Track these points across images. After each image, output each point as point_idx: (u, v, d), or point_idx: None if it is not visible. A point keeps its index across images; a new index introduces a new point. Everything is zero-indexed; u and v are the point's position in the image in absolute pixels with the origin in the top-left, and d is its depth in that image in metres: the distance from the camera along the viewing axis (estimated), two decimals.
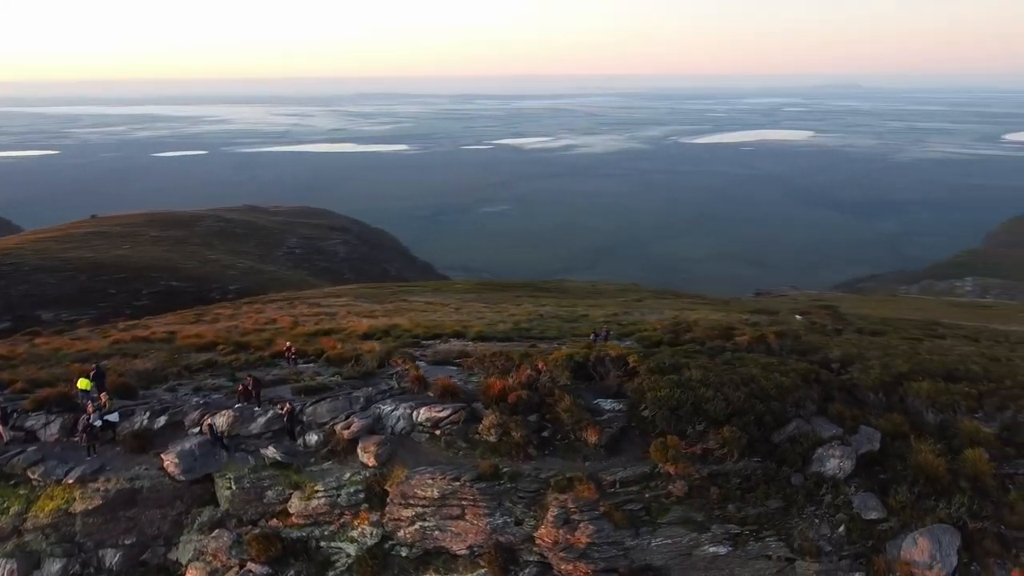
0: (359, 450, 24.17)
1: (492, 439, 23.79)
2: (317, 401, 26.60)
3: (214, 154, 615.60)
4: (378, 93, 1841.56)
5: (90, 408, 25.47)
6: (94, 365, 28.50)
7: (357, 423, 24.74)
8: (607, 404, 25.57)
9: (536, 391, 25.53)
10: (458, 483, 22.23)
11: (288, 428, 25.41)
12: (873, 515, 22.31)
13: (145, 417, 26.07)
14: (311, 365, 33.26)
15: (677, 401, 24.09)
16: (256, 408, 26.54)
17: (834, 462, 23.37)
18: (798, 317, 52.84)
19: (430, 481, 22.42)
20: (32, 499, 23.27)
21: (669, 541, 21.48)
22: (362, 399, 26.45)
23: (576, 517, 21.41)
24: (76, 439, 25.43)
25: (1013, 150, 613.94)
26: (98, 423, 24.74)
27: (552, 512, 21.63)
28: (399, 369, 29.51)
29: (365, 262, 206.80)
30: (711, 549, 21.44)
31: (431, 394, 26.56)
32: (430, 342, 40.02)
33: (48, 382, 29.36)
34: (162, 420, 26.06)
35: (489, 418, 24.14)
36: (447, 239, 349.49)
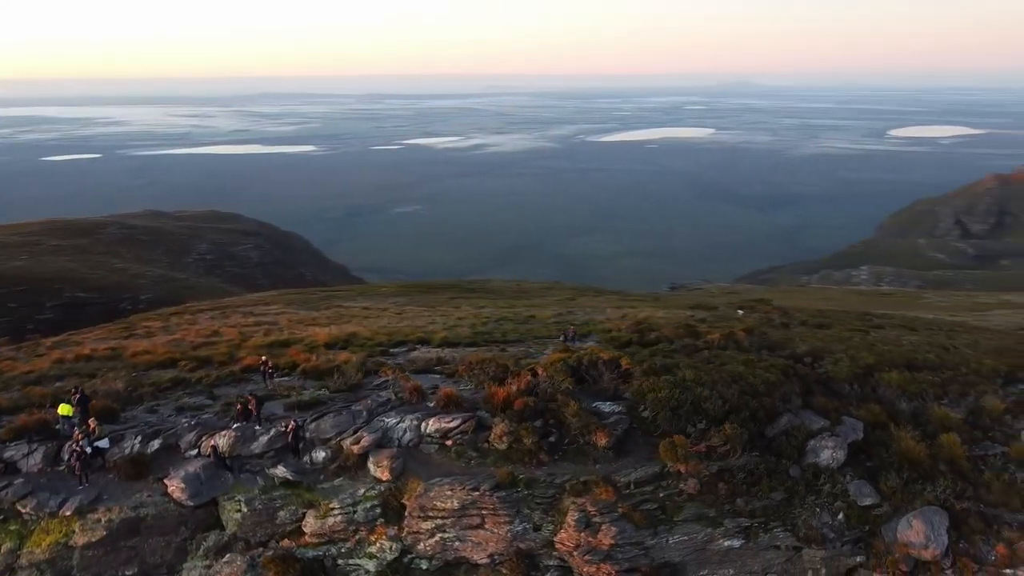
0: (371, 464, 23.82)
1: (503, 447, 23.89)
2: (319, 417, 25.98)
3: (109, 157, 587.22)
4: (282, 93, 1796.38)
5: (77, 435, 24.10)
6: (74, 389, 26.93)
7: (367, 437, 24.34)
8: (606, 407, 26.00)
9: (537, 396, 25.69)
10: (477, 492, 22.24)
11: (293, 446, 24.72)
12: (868, 501, 23.56)
13: (137, 441, 24.85)
14: (286, 379, 32.33)
15: (677, 401, 24.76)
16: (257, 427, 25.69)
17: (828, 453, 24.54)
18: (740, 312, 54.78)
19: (449, 492, 22.34)
20: (26, 534, 21.88)
21: (685, 538, 22.13)
22: (364, 413, 25.98)
23: (597, 520, 21.77)
24: (62, 468, 24.04)
25: (898, 145, 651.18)
26: (88, 450, 23.42)
27: (572, 516, 21.91)
28: (389, 380, 29.04)
29: (279, 267, 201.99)
30: (726, 543, 22.22)
31: (431, 404, 26.36)
32: (398, 350, 39.54)
33: (11, 409, 27.50)
34: (156, 444, 24.90)
35: (499, 426, 24.20)
36: (360, 240, 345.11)
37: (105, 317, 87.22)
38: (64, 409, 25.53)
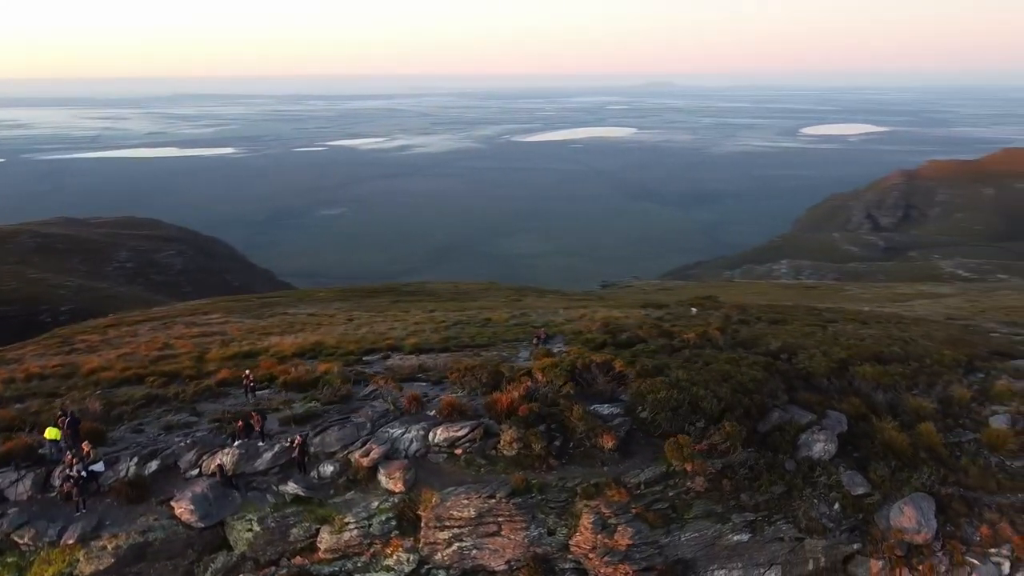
0: (382, 476, 23.61)
1: (512, 453, 24.02)
2: (322, 430, 25.52)
3: (13, 162, 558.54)
4: (197, 94, 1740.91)
5: (69, 459, 23.04)
6: (60, 412, 25.71)
7: (377, 449, 24.07)
8: (604, 409, 26.42)
9: (539, 402, 25.89)
10: (494, 500, 22.34)
11: (299, 461, 24.21)
12: (860, 490, 24.68)
13: (133, 463, 23.90)
14: (266, 392, 31.60)
15: (676, 401, 25.38)
16: (260, 443, 25.04)
17: (820, 446, 25.58)
18: (693, 310, 56.07)
19: (465, 501, 22.36)
20: (25, 566, 20.79)
21: (696, 534, 22.76)
22: (368, 424, 25.67)
23: (613, 521, 22.17)
24: (54, 495, 22.94)
25: (809, 143, 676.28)
26: (83, 475, 22.39)
27: (588, 518, 22.24)
28: (380, 389, 28.75)
29: (204, 273, 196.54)
30: (735, 538, 22.95)
31: (431, 413, 26.24)
32: (371, 358, 39.11)
33: None
34: (154, 465, 24.01)
35: (508, 433, 24.32)
36: (285, 245, 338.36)
37: (23, 331, 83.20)
38: (51, 433, 24.40)
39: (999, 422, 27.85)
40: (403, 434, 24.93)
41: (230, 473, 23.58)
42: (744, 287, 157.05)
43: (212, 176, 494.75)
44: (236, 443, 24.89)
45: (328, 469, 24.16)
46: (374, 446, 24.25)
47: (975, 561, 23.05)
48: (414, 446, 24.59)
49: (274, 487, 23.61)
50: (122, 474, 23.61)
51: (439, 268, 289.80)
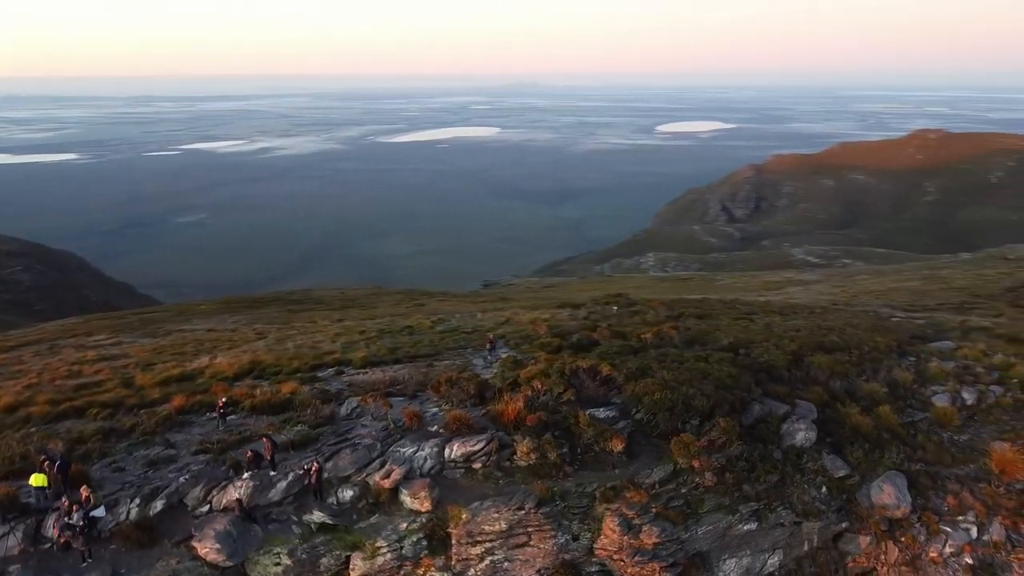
0: (406, 497, 23.26)
1: (531, 463, 24.24)
2: (333, 454, 24.70)
3: None
4: (29, 95, 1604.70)
5: (65, 504, 21.17)
6: (43, 455, 23.50)
7: (397, 470, 23.65)
8: (601, 413, 27.07)
9: (542, 410, 26.20)
10: (523, 511, 22.53)
11: (316, 488, 23.33)
12: (841, 472, 26.65)
13: (134, 505, 22.25)
14: (234, 417, 30.13)
15: (671, 401, 26.45)
16: (272, 473, 23.91)
17: (801, 434, 27.39)
18: (614, 308, 57.77)
19: (496, 514, 22.41)
20: None
21: (711, 527, 23.89)
22: (378, 445, 25.08)
23: (637, 522, 22.89)
24: (49, 546, 20.99)
25: (664, 140, 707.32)
26: (82, 522, 20.63)
27: (612, 521, 22.84)
28: (370, 407, 28.14)
29: (58, 289, 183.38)
30: (744, 527, 24.26)
31: (435, 428, 26.00)
32: (323, 374, 38.14)
33: None
34: (159, 504, 22.46)
35: (524, 443, 24.55)
36: (141, 255, 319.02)
37: None
38: (38, 479, 22.38)
39: (942, 401, 30.76)
40: (415, 452, 24.63)
41: (247, 506, 22.47)
42: (627, 281, 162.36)
43: (54, 184, 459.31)
44: (246, 474, 23.75)
45: (347, 494, 23.54)
46: (394, 467, 23.86)
47: (948, 529, 25.47)
48: (428, 463, 24.37)
49: (293, 516, 22.76)
50: (122, 517, 22.04)
51: (309, 273, 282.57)
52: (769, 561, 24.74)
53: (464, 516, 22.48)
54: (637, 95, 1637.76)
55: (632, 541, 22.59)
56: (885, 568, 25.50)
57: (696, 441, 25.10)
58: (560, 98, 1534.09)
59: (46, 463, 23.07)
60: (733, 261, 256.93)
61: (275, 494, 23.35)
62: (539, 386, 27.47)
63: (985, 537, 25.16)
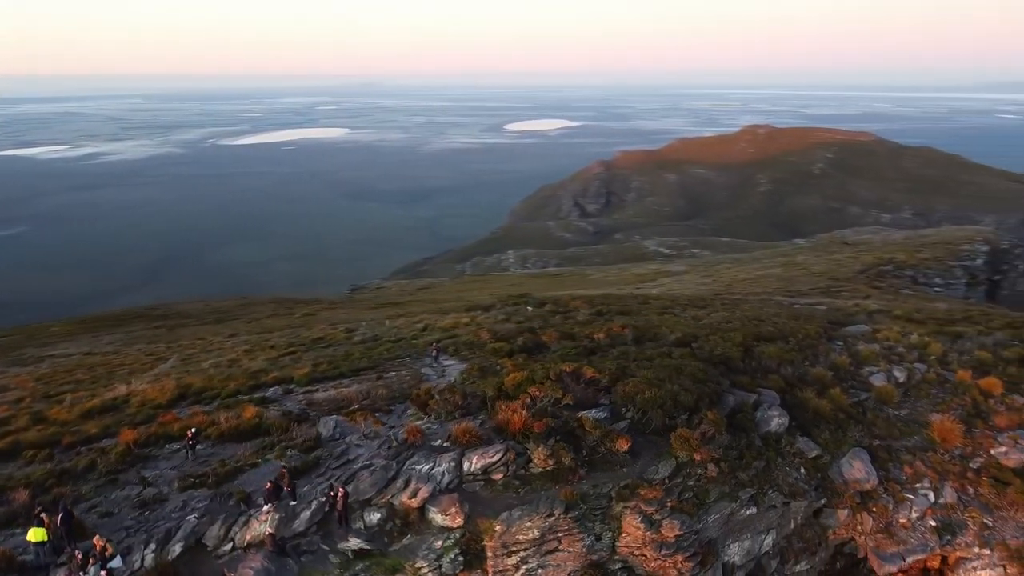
0: (436, 515, 23.00)
1: (548, 469, 24.56)
2: (351, 477, 23.83)
3: None
4: None
5: (77, 558, 19.31)
6: (39, 508, 21.17)
7: (424, 488, 23.23)
8: (592, 414, 27.77)
9: (548, 416, 26.56)
10: (553, 517, 22.89)
11: (343, 514, 22.49)
12: (814, 453, 28.87)
13: (149, 551, 20.55)
14: (201, 447, 28.43)
15: (661, 399, 27.56)
16: (292, 503, 22.76)
17: (775, 421, 29.39)
18: (529, 309, 58.71)
19: (528, 523, 22.64)
20: None
21: (718, 515, 25.29)
22: (394, 464, 24.44)
23: (657, 517, 23.86)
24: None
25: (513, 138, 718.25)
26: (101, 574, 18.93)
27: (634, 519, 23.69)
28: (361, 427, 27.42)
29: None
30: (745, 512, 25.86)
31: (439, 442, 25.77)
32: (271, 394, 36.68)
33: None
34: (177, 547, 20.87)
35: (540, 450, 24.82)
36: None
37: None
38: (37, 535, 20.29)
39: (879, 380, 33.85)
40: (432, 468, 24.34)
41: (282, 540, 21.40)
42: (501, 279, 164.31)
43: None
44: (267, 506, 22.59)
45: (374, 517, 22.94)
46: (420, 485, 23.48)
47: (911, 496, 28.24)
48: (447, 478, 24.17)
49: (324, 546, 21.91)
50: (137, 565, 20.42)
51: (154, 287, 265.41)
52: (765, 541, 26.55)
53: (498, 528, 22.61)
54: (484, 95, 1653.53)
55: (654, 536, 23.57)
56: (862, 537, 27.98)
57: (694, 435, 26.42)
58: (408, 98, 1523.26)
59: (43, 515, 21.03)
60: (590, 255, 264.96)
61: (299, 524, 22.44)
62: (538, 393, 27.86)
63: (941, 500, 28.13)
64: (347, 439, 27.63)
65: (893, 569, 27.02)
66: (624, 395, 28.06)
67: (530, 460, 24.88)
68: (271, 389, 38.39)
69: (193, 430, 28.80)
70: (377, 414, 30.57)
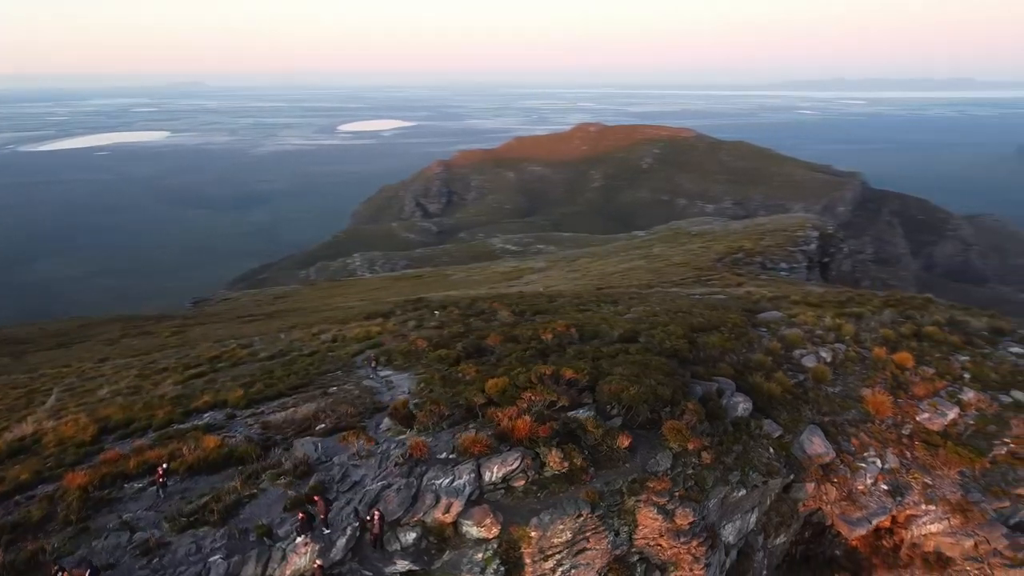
0: (470, 527, 22.87)
1: (562, 471, 24.89)
2: (375, 499, 23.00)
3: None
4: None
5: None
6: (57, 568, 18.69)
7: (456, 503, 22.92)
8: (581, 414, 28.42)
9: (551, 420, 26.90)
10: (582, 518, 23.40)
11: (379, 537, 21.71)
12: (777, 433, 31.14)
13: None
14: (173, 484, 26.34)
15: (646, 395, 28.67)
16: (325, 530, 21.57)
17: (741, 406, 31.39)
18: (436, 313, 58.28)
19: (561, 526, 22.99)
20: None
21: (716, 500, 26.87)
22: (415, 481, 23.82)
23: (670, 507, 24.92)
24: None
25: (348, 139, 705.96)
26: None
27: (649, 511, 24.68)
28: (356, 447, 26.45)
29: None
30: (737, 494, 27.62)
31: (442, 456, 25.47)
32: (216, 420, 34.46)
33: None
34: None
35: (554, 454, 25.14)
36: None
37: None
38: None
39: (811, 362, 36.85)
40: (453, 481, 24.07)
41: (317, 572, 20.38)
42: (361, 284, 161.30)
43: None
44: (300, 538, 21.40)
45: (410, 536, 22.38)
46: (453, 500, 23.18)
47: (863, 465, 31.17)
48: (468, 490, 23.96)
49: (366, 572, 21.11)
50: None
51: None
52: (751, 520, 28.47)
53: (533, 534, 22.86)
54: (314, 95, 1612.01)
55: (669, 525, 24.72)
56: (828, 506, 30.56)
57: (684, 425, 27.80)
58: (233, 98, 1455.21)
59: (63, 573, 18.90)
60: (439, 255, 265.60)
61: (336, 552, 21.49)
62: (533, 397, 28.13)
63: (887, 466, 31.24)
64: (335, 459, 26.73)
65: (863, 531, 29.84)
66: (610, 393, 29.00)
67: (543, 464, 25.25)
68: (207, 415, 36.16)
69: (164, 466, 26.74)
70: (344, 431, 29.68)
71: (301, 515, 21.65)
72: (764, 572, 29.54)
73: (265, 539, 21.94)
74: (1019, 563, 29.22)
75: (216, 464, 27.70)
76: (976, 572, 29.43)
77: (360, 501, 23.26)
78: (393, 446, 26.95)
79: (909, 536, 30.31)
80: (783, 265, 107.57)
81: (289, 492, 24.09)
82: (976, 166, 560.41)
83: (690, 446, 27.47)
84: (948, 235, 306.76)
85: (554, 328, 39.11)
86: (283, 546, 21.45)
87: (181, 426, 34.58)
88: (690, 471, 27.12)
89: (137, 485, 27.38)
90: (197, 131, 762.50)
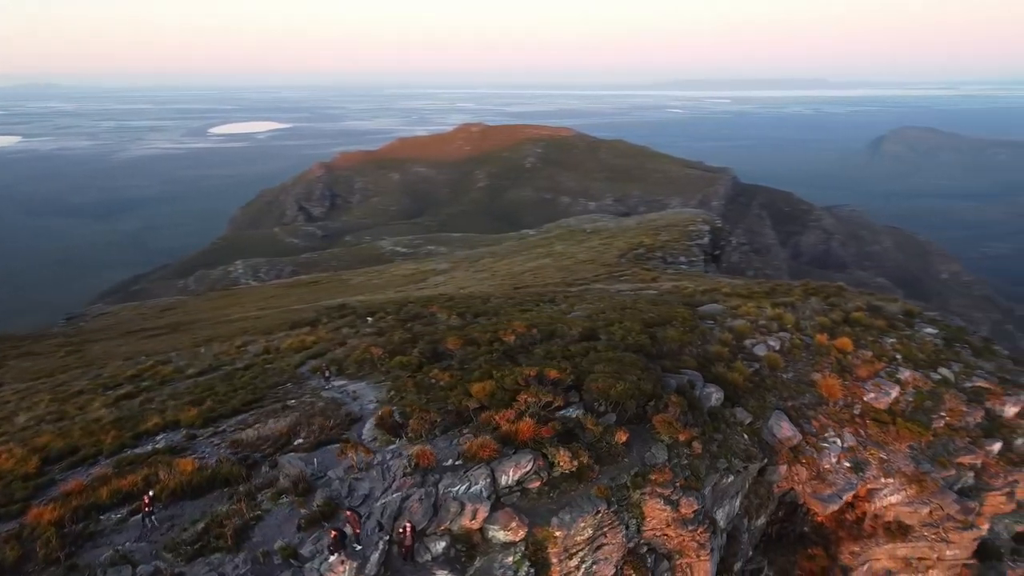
0: (497, 532, 22.99)
1: (571, 470, 25.20)
2: (398, 514, 22.51)
3: None
4: None
5: None
6: None
7: (481, 509, 22.86)
8: (570, 412, 28.87)
9: (553, 421, 27.19)
10: (600, 515, 23.96)
11: (410, 548, 21.32)
12: (748, 420, 32.69)
13: None
14: (157, 514, 24.83)
15: (631, 391, 29.45)
16: (357, 546, 20.87)
17: (714, 396, 32.74)
18: (369, 319, 57.12)
19: (582, 524, 23.41)
20: None
21: (710, 487, 27.87)
22: (434, 490, 23.43)
23: (674, 497, 25.76)
24: None
25: (221, 142, 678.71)
26: None
27: (656, 502, 25.51)
28: (355, 461, 25.76)
29: None
30: (725, 480, 28.83)
31: (448, 463, 25.27)
32: (174, 442, 32.72)
33: None
34: None
35: (563, 454, 25.42)
36: None
37: None
38: None
39: (762, 350, 38.75)
40: (469, 488, 23.92)
41: None
42: (252, 294, 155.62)
43: None
44: (332, 557, 20.66)
45: (439, 546, 22.11)
46: (478, 506, 23.03)
47: (826, 445, 33.17)
48: (485, 494, 23.90)
49: None
50: None
51: None
52: (736, 504, 29.84)
53: (557, 534, 23.15)
54: (182, 96, 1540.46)
55: (675, 515, 25.64)
56: (800, 485, 32.35)
57: (674, 418, 28.78)
58: (91, 100, 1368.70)
59: None
60: (326, 259, 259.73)
61: (370, 568, 20.91)
62: (529, 399, 28.29)
63: (846, 445, 33.40)
64: (330, 474, 26.06)
65: (835, 507, 31.82)
66: (598, 391, 29.60)
67: (552, 465, 25.55)
68: (161, 437, 34.31)
69: (151, 493, 25.24)
70: (334, 444, 29.01)
71: (333, 532, 21.02)
72: (749, 553, 31.07)
73: (292, 560, 21.19)
74: (969, 525, 32.08)
75: (200, 488, 26.40)
76: (933, 536, 32.07)
77: (383, 514, 22.82)
78: (389, 456, 26.57)
79: (871, 508, 32.63)
80: (682, 259, 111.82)
81: (302, 511, 23.33)
82: (831, 161, 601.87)
83: (681, 437, 28.53)
84: (811, 225, 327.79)
85: (514, 329, 39.41)
86: (315, 566, 20.76)
87: (136, 451, 32.67)
88: (684, 461, 28.15)
89: (115, 516, 25.77)
90: (52, 135, 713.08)
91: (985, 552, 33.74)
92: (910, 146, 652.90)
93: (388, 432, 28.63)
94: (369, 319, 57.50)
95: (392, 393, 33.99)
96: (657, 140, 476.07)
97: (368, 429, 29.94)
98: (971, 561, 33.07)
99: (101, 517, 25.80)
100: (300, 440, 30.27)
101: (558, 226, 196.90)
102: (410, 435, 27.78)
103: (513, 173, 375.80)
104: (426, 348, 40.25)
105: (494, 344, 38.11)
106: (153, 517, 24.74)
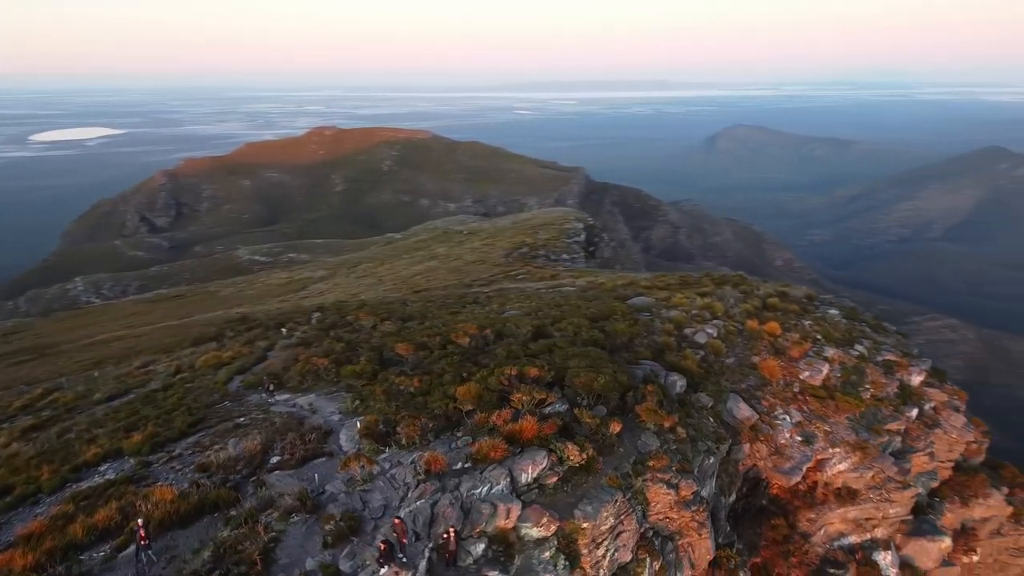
0: (530, 529, 23.15)
1: (580, 463, 25.68)
2: (434, 518, 22.06)
3: None
4: None
5: None
6: None
7: (514, 508, 22.86)
8: (556, 407, 29.35)
9: (555, 418, 27.55)
10: (617, 504, 24.76)
11: (454, 554, 21.02)
12: (710, 404, 34.39)
13: None
14: (151, 549, 22.99)
15: (611, 383, 30.32)
16: (401, 556, 20.21)
17: (679, 384, 34.31)
18: (283, 330, 54.88)
19: (605, 515, 24.03)
20: None
21: (698, 469, 29.13)
22: (459, 494, 23.15)
23: (675, 481, 26.89)
24: None
25: (44, 150, 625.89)
26: None
27: (659, 488, 26.61)
28: (356, 472, 24.97)
29: None
30: (707, 462, 30.25)
31: (458, 467, 25.08)
32: (123, 472, 30.43)
33: None
34: None
35: (572, 448, 25.83)
36: None
37: None
38: None
39: (703, 338, 40.80)
40: (491, 488, 23.86)
41: None
42: (115, 309, 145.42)
43: None
44: (384, 570, 19.97)
45: (479, 548, 21.94)
46: (510, 506, 23.04)
47: (779, 422, 35.49)
48: (507, 493, 23.95)
49: None
50: None
51: None
52: (712, 483, 31.41)
53: (585, 525, 23.63)
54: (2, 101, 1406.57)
55: (677, 497, 26.81)
56: (762, 461, 34.46)
57: (656, 406, 29.94)
58: None
59: None
60: (178, 271, 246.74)
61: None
62: (523, 398, 28.45)
63: (794, 420, 35.91)
64: (330, 488, 25.32)
65: (797, 478, 34.14)
66: (581, 385, 30.26)
67: (561, 459, 25.96)
68: (106, 467, 31.87)
69: (144, 523, 23.39)
70: (323, 457, 28.14)
71: (383, 545, 20.47)
72: (728, 528, 32.83)
73: (379, 568, 20.59)
74: (907, 484, 35.39)
75: (189, 515, 24.86)
76: (878, 498, 35.14)
77: (416, 522, 22.44)
78: (389, 465, 26.14)
79: (822, 477, 35.33)
80: (565, 256, 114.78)
81: (327, 527, 22.51)
82: (672, 158, 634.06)
83: (666, 424, 29.79)
84: (660, 220, 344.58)
85: (466, 331, 39.39)
86: None
87: (83, 484, 30.20)
88: (673, 447, 29.42)
89: (98, 554, 23.83)
90: None
91: (917, 508, 37.36)
92: (741, 143, 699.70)
93: (376, 441, 28.05)
94: (283, 330, 55.51)
95: (357, 403, 33.25)
96: (509, 141, 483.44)
97: (348, 440, 29.23)
98: (908, 517, 36.55)
99: (82, 557, 23.79)
100: (278, 458, 29.08)
101: (425, 228, 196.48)
102: (403, 442, 27.38)
103: (371, 176, 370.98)
104: (372, 355, 39.52)
105: (448, 347, 37.98)
106: (150, 551, 23.07)
